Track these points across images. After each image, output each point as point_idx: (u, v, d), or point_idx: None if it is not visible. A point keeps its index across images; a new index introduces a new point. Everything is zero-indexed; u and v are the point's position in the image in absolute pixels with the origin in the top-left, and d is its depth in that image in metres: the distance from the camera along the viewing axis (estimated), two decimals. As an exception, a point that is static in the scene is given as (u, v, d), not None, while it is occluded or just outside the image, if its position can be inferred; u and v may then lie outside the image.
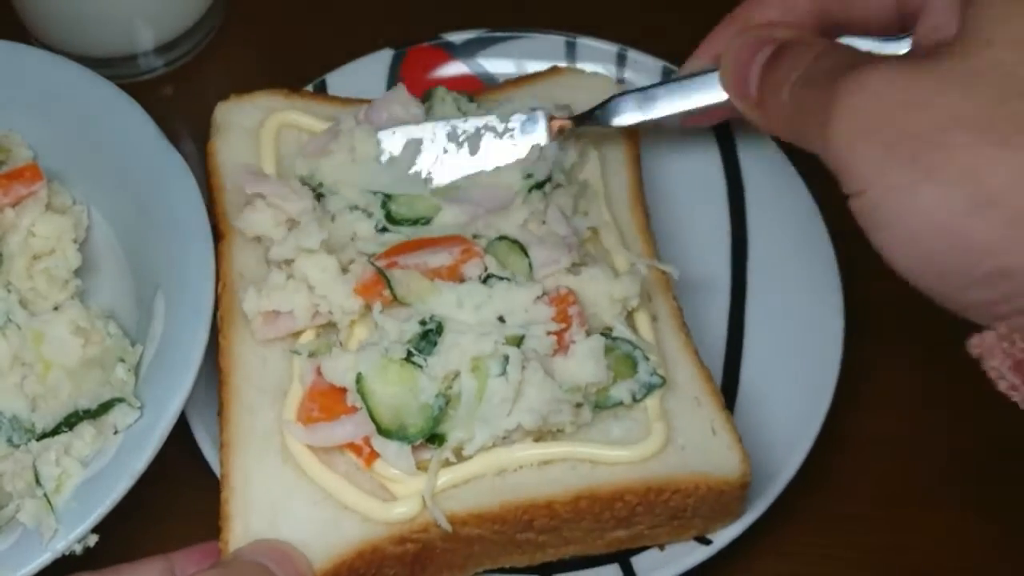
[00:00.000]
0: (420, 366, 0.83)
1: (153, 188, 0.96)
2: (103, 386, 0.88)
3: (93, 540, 0.83)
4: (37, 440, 0.86)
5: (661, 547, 0.89)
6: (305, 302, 0.87)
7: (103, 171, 1.00)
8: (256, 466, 0.84)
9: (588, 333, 0.86)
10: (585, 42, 1.12)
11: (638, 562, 0.88)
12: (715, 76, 0.88)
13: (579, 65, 1.09)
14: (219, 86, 1.20)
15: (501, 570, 0.88)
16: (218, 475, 0.85)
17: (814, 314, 0.98)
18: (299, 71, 1.11)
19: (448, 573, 0.87)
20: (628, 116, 0.95)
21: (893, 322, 1.02)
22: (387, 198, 0.93)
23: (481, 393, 0.82)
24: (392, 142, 0.95)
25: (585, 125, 0.97)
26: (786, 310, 0.99)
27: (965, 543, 0.95)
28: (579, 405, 0.84)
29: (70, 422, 0.86)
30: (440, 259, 0.88)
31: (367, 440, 0.83)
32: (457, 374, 0.83)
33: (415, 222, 0.93)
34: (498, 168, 0.95)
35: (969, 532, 0.95)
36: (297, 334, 0.89)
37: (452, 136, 0.95)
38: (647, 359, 0.87)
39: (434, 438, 0.82)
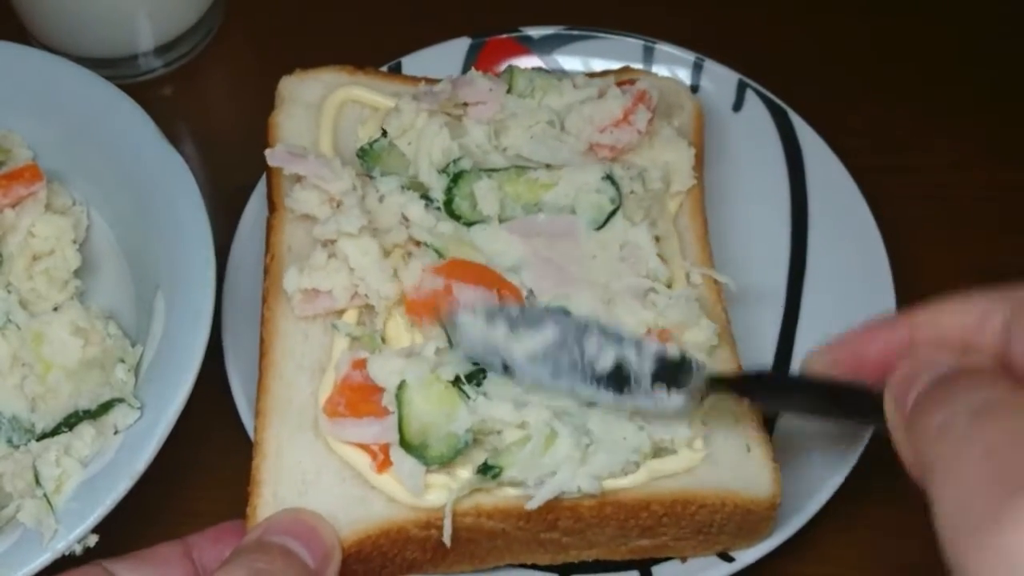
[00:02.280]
0: (467, 396, 0.82)
1: (153, 188, 0.96)
2: (103, 386, 0.88)
3: (93, 540, 0.83)
4: (37, 440, 0.86)
5: (683, 559, 0.88)
6: (345, 282, 0.87)
7: (103, 171, 1.00)
8: (289, 437, 0.84)
9: None
10: (663, 48, 1.12)
11: (659, 572, 0.87)
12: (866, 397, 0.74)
13: (654, 70, 1.09)
14: (219, 86, 1.21)
15: (522, 566, 0.88)
16: (252, 439, 0.85)
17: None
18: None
19: (468, 563, 0.86)
20: (761, 402, 0.86)
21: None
22: (453, 183, 0.92)
23: (549, 446, 0.81)
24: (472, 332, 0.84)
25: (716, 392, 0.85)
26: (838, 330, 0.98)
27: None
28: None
29: (70, 422, 0.86)
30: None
31: (384, 448, 0.82)
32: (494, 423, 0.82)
33: (470, 223, 0.91)
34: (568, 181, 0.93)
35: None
36: (338, 312, 0.89)
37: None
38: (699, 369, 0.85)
39: (488, 469, 0.81)
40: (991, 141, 1.14)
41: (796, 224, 1.05)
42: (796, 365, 0.95)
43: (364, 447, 0.83)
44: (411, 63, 1.10)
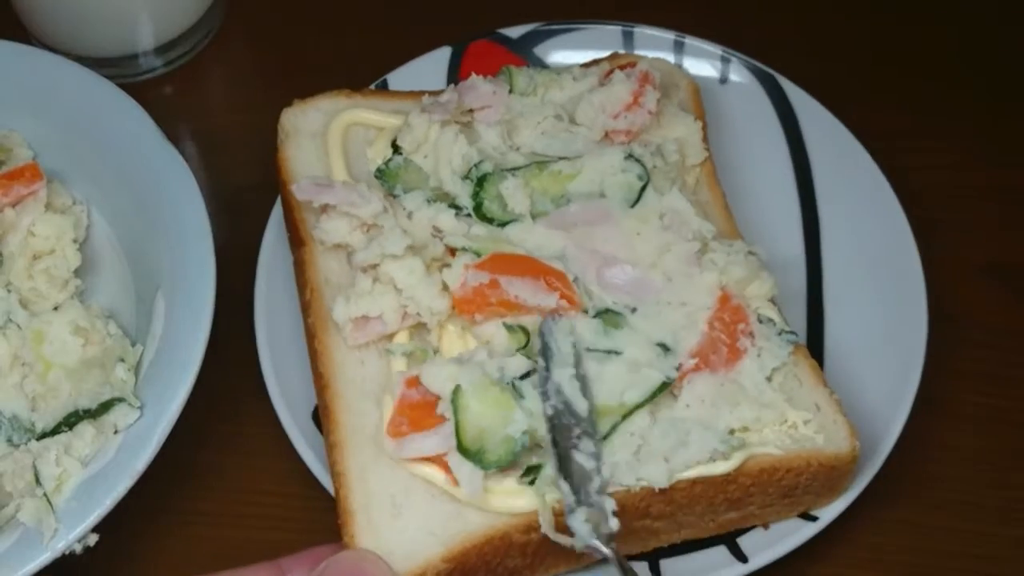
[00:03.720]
0: (521, 396, 0.82)
1: (153, 188, 0.96)
2: (103, 386, 0.88)
3: (93, 540, 0.82)
4: (37, 440, 0.86)
5: (766, 526, 0.89)
6: (393, 304, 0.87)
7: (103, 171, 1.00)
8: (370, 464, 0.83)
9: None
10: (643, 31, 1.12)
11: (745, 542, 0.88)
12: None
13: (637, 52, 1.10)
14: (219, 86, 1.21)
15: None
16: (313, 473, 0.86)
17: (894, 285, 0.98)
18: (299, 71, 1.11)
19: (565, 564, 0.86)
20: None
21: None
22: (479, 188, 0.92)
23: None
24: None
25: None
26: (864, 283, 0.99)
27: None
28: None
29: (70, 422, 0.86)
30: (542, 299, 0.87)
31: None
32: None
33: (504, 223, 0.91)
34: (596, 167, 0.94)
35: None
36: (390, 336, 0.88)
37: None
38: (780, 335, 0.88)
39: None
40: (991, 141, 1.14)
41: (802, 185, 1.06)
42: (829, 325, 0.98)
43: (438, 463, 0.82)
44: (396, 79, 1.10)
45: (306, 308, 0.91)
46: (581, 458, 0.81)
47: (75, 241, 0.97)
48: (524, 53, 1.13)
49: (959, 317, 1.03)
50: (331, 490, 0.84)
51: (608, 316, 0.87)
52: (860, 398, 0.92)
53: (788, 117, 1.09)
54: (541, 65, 1.11)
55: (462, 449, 0.80)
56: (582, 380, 0.83)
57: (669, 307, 0.88)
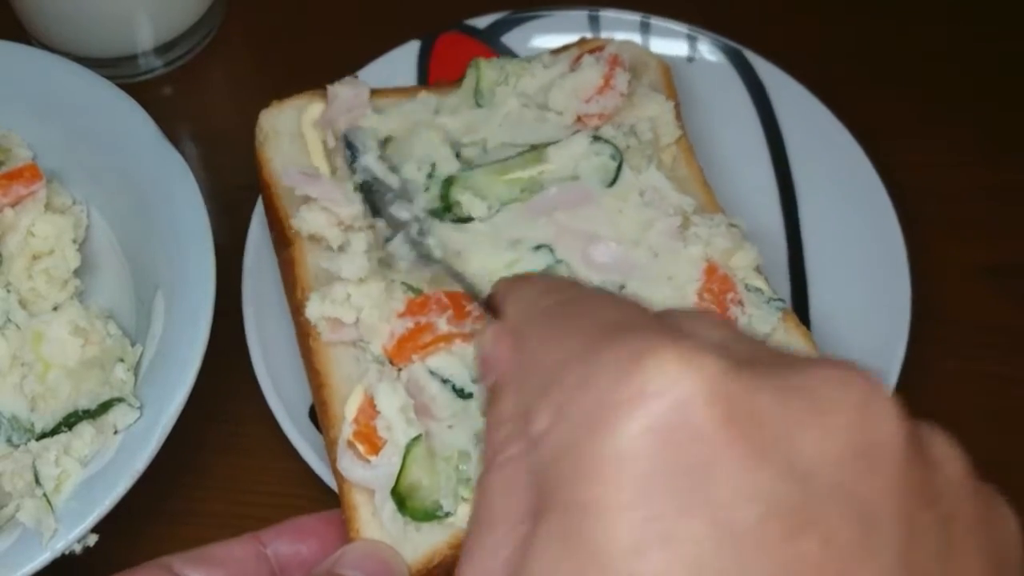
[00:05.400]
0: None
1: (153, 188, 0.96)
2: (103, 386, 0.88)
3: (93, 540, 0.83)
4: (37, 440, 0.86)
5: None
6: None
7: (103, 171, 1.00)
8: None
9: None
10: (608, 14, 1.13)
11: None
12: None
13: (604, 35, 1.10)
14: (219, 86, 1.21)
15: None
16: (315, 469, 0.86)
17: (875, 249, 0.98)
18: (300, 71, 1.11)
19: None
20: None
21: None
22: (448, 183, 0.92)
23: None
24: None
25: None
26: (845, 252, 1.00)
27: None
28: None
29: (70, 422, 0.86)
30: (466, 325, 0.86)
31: None
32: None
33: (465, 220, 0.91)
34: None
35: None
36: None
37: None
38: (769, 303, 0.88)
39: None
40: (990, 140, 1.14)
41: (776, 158, 1.07)
42: (812, 298, 0.99)
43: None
44: (368, 75, 1.09)
45: (297, 307, 0.90)
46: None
47: (75, 241, 0.97)
48: (493, 43, 1.14)
49: (957, 317, 1.03)
50: (334, 487, 0.84)
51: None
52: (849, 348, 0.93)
53: (758, 91, 1.10)
54: (511, 54, 1.12)
55: (394, 493, 0.79)
56: None
57: (657, 282, 0.89)
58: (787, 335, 0.88)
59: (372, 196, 0.91)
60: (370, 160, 0.92)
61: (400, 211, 0.90)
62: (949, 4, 1.24)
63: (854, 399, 0.44)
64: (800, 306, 0.99)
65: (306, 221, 0.91)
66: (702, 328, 0.48)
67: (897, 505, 0.44)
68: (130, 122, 0.99)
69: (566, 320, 0.50)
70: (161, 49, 1.18)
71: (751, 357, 0.45)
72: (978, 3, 1.24)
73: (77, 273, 0.96)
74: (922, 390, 0.95)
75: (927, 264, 1.01)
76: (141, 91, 1.05)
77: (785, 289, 1.00)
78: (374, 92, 1.01)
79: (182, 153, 0.96)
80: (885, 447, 0.44)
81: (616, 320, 0.48)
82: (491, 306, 0.58)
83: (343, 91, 0.98)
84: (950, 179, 1.12)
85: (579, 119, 0.97)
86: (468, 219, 0.92)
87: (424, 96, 1.00)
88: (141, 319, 0.95)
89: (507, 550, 0.46)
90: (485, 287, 0.65)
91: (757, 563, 0.40)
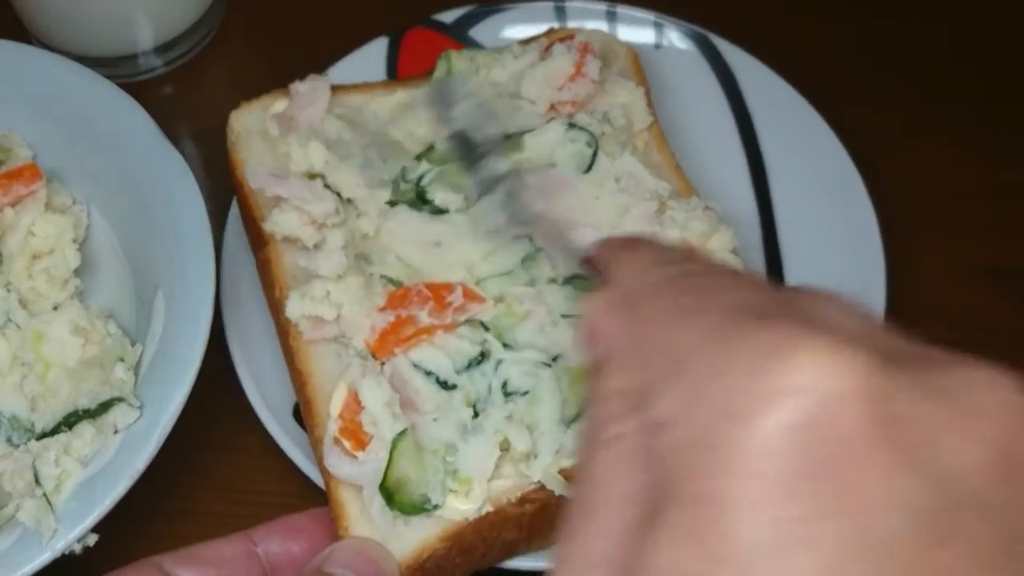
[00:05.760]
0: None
1: (153, 188, 0.96)
2: (103, 386, 0.88)
3: (93, 540, 0.83)
4: (37, 440, 0.86)
5: None
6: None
7: (103, 171, 1.00)
8: None
9: None
10: (574, 4, 1.14)
11: None
12: None
13: (571, 26, 1.11)
14: (219, 86, 1.21)
15: None
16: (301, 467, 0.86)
17: (848, 226, 0.99)
18: (300, 70, 1.11)
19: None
20: None
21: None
22: (420, 180, 0.92)
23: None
24: None
25: None
26: (818, 232, 1.01)
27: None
28: None
29: (70, 422, 0.86)
30: (447, 316, 0.86)
31: None
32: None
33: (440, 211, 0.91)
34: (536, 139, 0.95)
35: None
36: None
37: None
38: None
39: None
40: (990, 140, 1.14)
41: (747, 142, 1.08)
42: (788, 277, 1.00)
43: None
44: (338, 72, 1.09)
45: (276, 307, 0.90)
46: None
47: (75, 241, 0.97)
48: (461, 37, 1.14)
49: (957, 317, 1.03)
50: (322, 485, 0.84)
51: (578, 282, 0.87)
52: None
53: (726, 75, 1.11)
54: (479, 47, 1.12)
55: (383, 487, 0.79)
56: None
57: None
58: None
59: (464, 148, 0.84)
60: (468, 108, 0.87)
61: (497, 164, 0.83)
62: (949, 4, 1.24)
63: (1002, 405, 0.43)
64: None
65: (279, 224, 0.91)
66: (836, 315, 0.46)
67: None
68: (130, 122, 0.99)
69: (689, 297, 0.48)
70: (161, 48, 1.18)
71: (893, 351, 0.43)
72: (978, 3, 1.24)
73: (77, 273, 0.96)
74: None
75: (927, 264, 1.01)
76: (141, 91, 1.05)
77: (761, 270, 1.00)
78: (337, 88, 1.01)
79: (182, 153, 0.96)
80: None
81: (746, 303, 0.46)
82: (594, 267, 0.56)
83: (303, 88, 0.99)
84: (950, 179, 1.12)
85: (552, 107, 0.98)
86: (444, 211, 0.92)
87: (400, 93, 1.00)
88: (141, 319, 0.95)
89: (615, 533, 0.44)
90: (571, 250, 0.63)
91: (895, 572, 0.39)
